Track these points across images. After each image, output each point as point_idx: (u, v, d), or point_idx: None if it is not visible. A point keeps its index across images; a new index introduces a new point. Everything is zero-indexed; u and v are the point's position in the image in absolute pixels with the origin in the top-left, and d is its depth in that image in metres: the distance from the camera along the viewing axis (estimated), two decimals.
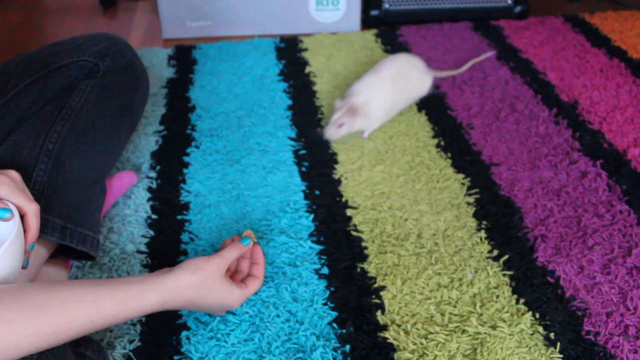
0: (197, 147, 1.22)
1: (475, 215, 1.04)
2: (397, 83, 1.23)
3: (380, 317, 0.86)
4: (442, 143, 1.22)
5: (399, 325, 0.85)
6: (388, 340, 0.83)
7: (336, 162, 1.17)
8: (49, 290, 0.63)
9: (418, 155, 1.19)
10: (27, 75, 0.89)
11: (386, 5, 1.72)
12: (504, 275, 0.93)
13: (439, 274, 0.93)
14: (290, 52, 1.57)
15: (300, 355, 0.81)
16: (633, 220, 1.02)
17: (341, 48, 1.59)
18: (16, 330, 0.58)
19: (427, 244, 0.98)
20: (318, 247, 0.98)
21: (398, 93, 1.24)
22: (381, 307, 0.88)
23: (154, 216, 1.05)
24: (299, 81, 1.44)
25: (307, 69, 1.49)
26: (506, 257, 0.95)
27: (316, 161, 1.17)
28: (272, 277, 0.92)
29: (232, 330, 0.84)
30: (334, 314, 0.87)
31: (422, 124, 1.28)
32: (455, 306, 0.88)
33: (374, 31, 1.68)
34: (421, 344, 0.82)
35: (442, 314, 0.87)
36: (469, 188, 1.10)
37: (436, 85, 1.41)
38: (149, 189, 1.11)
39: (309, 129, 1.22)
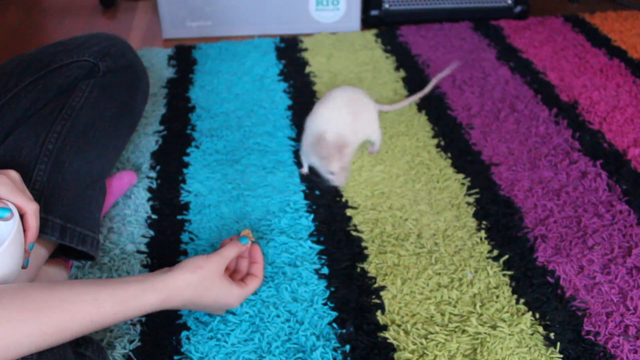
0: (197, 147, 1.22)
1: (475, 215, 1.04)
2: (353, 112, 1.10)
3: (380, 317, 0.86)
4: (442, 143, 1.22)
5: (399, 325, 0.85)
6: (388, 340, 0.83)
7: None
8: (49, 290, 0.63)
9: (418, 155, 1.18)
10: (27, 75, 0.89)
11: (386, 5, 1.72)
12: (504, 275, 0.93)
13: (439, 274, 0.93)
14: (290, 52, 1.57)
15: (300, 355, 0.81)
16: (633, 220, 1.02)
17: (341, 48, 1.59)
18: (16, 330, 0.58)
19: (427, 244, 0.98)
20: (318, 247, 0.98)
21: (357, 124, 1.11)
22: (381, 307, 0.88)
23: (154, 216, 1.05)
24: (299, 81, 1.44)
25: (307, 69, 1.49)
26: (506, 257, 0.95)
27: None
28: (272, 277, 0.92)
29: (232, 330, 0.84)
30: (334, 314, 0.87)
31: (422, 124, 1.28)
32: (455, 306, 0.88)
33: (374, 31, 1.68)
34: (421, 344, 0.82)
35: (442, 314, 0.86)
36: (469, 188, 1.10)
37: (436, 85, 1.42)
38: (149, 189, 1.11)
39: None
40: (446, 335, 0.83)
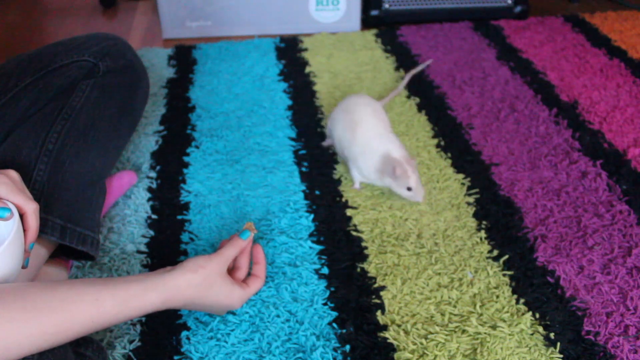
0: (197, 147, 1.22)
1: (475, 215, 1.04)
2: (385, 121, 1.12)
3: (380, 317, 0.86)
4: (442, 143, 1.22)
5: (399, 325, 0.85)
6: (388, 340, 0.83)
7: (336, 162, 1.17)
8: (50, 290, 0.63)
9: (418, 155, 1.18)
10: (27, 75, 0.89)
11: (386, 5, 1.72)
12: (504, 275, 0.93)
13: (439, 274, 0.93)
14: (290, 52, 1.57)
15: (300, 355, 0.81)
16: (633, 220, 1.02)
17: (341, 48, 1.59)
18: (17, 330, 0.58)
19: (427, 244, 0.98)
20: (318, 247, 0.98)
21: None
22: (381, 307, 0.88)
23: (154, 216, 1.05)
24: (299, 81, 1.44)
25: (307, 69, 1.49)
26: (506, 257, 0.95)
27: (316, 161, 1.17)
28: (272, 277, 0.92)
29: (232, 330, 0.84)
30: (334, 314, 0.87)
31: (422, 124, 1.28)
32: (455, 306, 0.88)
33: (374, 31, 1.68)
34: (421, 344, 0.82)
35: (442, 314, 0.86)
36: (469, 188, 1.10)
37: (436, 85, 1.42)
38: (149, 189, 1.11)
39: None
40: (446, 335, 0.83)
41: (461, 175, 1.13)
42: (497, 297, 0.89)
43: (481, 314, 0.86)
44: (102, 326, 0.66)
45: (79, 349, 0.69)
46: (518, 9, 1.73)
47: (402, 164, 1.02)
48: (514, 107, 1.32)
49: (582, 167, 1.14)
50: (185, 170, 1.15)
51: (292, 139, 1.24)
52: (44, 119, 0.85)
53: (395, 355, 0.81)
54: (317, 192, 1.09)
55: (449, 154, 1.19)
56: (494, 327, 0.84)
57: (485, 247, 0.98)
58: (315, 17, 1.70)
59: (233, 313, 0.87)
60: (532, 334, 0.83)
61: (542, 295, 0.89)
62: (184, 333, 0.84)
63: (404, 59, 1.53)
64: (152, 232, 1.02)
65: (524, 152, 1.18)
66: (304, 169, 1.15)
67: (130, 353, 0.82)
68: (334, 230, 1.01)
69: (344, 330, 0.84)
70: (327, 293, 0.90)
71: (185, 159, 1.19)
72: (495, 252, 0.96)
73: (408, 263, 0.95)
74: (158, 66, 1.51)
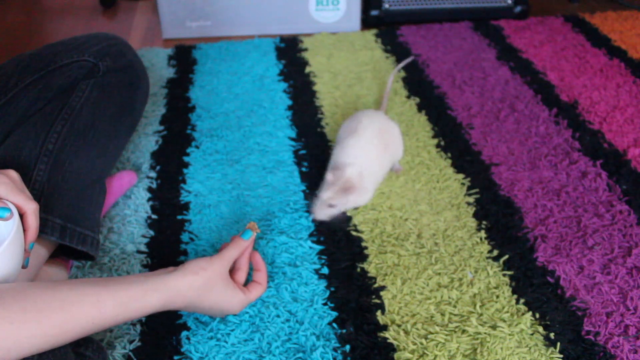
0: (197, 147, 1.22)
1: (475, 215, 1.04)
2: (384, 143, 1.05)
3: (380, 317, 0.86)
4: (442, 143, 1.22)
5: (399, 325, 0.85)
6: (388, 340, 0.83)
7: None
8: (51, 291, 0.63)
9: (418, 155, 1.18)
10: (27, 75, 0.89)
11: (386, 5, 1.72)
12: (504, 275, 0.93)
13: (439, 274, 0.93)
14: (290, 52, 1.57)
15: (300, 355, 0.81)
16: (633, 220, 1.02)
17: (341, 48, 1.59)
18: (18, 331, 0.58)
19: (427, 244, 0.98)
20: (318, 247, 0.98)
21: (386, 157, 1.07)
22: (381, 307, 0.88)
23: (154, 216, 1.05)
24: (299, 81, 1.44)
25: (307, 69, 1.49)
26: (506, 257, 0.95)
27: (316, 161, 1.17)
28: (272, 277, 0.92)
29: (232, 330, 0.84)
30: (334, 314, 0.87)
31: (422, 124, 1.28)
32: (455, 306, 0.88)
33: (374, 31, 1.68)
34: (421, 344, 0.82)
35: (442, 314, 0.86)
36: (469, 188, 1.10)
37: (436, 85, 1.42)
38: (149, 189, 1.11)
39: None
40: (446, 335, 0.83)
41: (461, 175, 1.13)
42: (497, 297, 0.89)
43: (481, 314, 0.86)
44: (102, 327, 0.66)
45: (79, 349, 0.69)
46: (518, 9, 1.73)
47: (341, 178, 0.97)
48: (514, 107, 1.32)
49: (582, 167, 1.14)
50: (185, 170, 1.15)
51: (292, 139, 1.24)
52: (44, 119, 0.85)
53: (395, 355, 0.81)
54: (317, 192, 1.09)
55: (449, 154, 1.19)
56: (494, 327, 0.84)
57: (485, 247, 0.98)
58: (315, 17, 1.70)
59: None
60: (532, 334, 0.83)
61: (542, 295, 0.89)
62: (184, 333, 0.84)
63: (403, 59, 1.53)
64: (152, 232, 1.02)
65: (524, 152, 1.18)
66: (304, 169, 1.15)
67: (130, 353, 0.82)
68: (334, 230, 1.01)
69: (344, 330, 0.84)
70: (327, 293, 0.90)
71: (185, 159, 1.19)
72: (495, 252, 0.96)
73: (408, 263, 0.95)
74: (158, 66, 1.51)
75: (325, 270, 0.94)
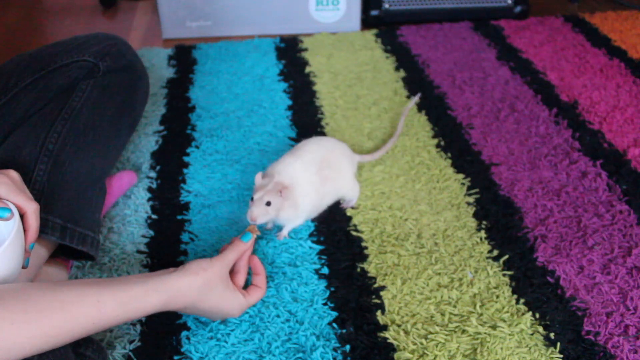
0: (197, 147, 1.22)
1: (475, 215, 1.04)
2: (324, 175, 0.98)
3: (380, 317, 0.86)
4: (442, 143, 1.22)
5: (399, 325, 0.85)
6: (388, 340, 0.83)
7: None
8: (51, 292, 0.63)
9: (418, 155, 1.18)
10: (27, 75, 0.89)
11: (386, 5, 1.72)
12: (504, 275, 0.93)
13: (439, 274, 0.93)
14: (290, 52, 1.57)
15: (300, 355, 0.81)
16: (633, 220, 1.02)
17: (341, 48, 1.59)
18: (18, 332, 0.58)
19: (427, 244, 0.98)
20: (318, 247, 0.98)
21: (326, 189, 0.99)
22: (381, 307, 0.88)
23: (154, 216, 1.05)
24: (299, 81, 1.44)
25: (307, 69, 1.49)
26: (506, 257, 0.95)
27: None
28: (272, 277, 0.92)
29: (232, 330, 0.84)
30: (334, 314, 0.87)
31: (422, 124, 1.28)
32: (455, 306, 0.88)
33: (374, 31, 1.68)
34: (421, 344, 0.82)
35: (442, 314, 0.86)
36: (469, 188, 1.10)
37: (436, 85, 1.42)
38: (149, 189, 1.11)
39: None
40: (446, 335, 0.83)
41: (461, 175, 1.13)
42: (497, 297, 0.89)
43: (481, 314, 0.86)
44: (102, 327, 0.66)
45: (79, 349, 0.69)
46: (518, 9, 1.73)
47: (272, 180, 0.92)
48: (514, 107, 1.32)
49: (582, 167, 1.14)
50: (185, 170, 1.15)
51: (292, 139, 1.24)
52: (44, 119, 0.85)
53: (395, 355, 0.81)
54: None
55: (449, 154, 1.19)
56: (494, 327, 0.84)
57: (485, 247, 0.98)
58: (315, 17, 1.70)
59: None
60: (532, 334, 0.83)
61: (542, 295, 0.89)
62: (184, 333, 0.84)
63: (404, 59, 1.53)
64: (152, 232, 1.02)
65: (524, 152, 1.18)
66: None
67: (130, 353, 0.82)
68: (334, 230, 1.01)
69: (344, 330, 0.84)
70: (327, 293, 0.90)
71: (185, 159, 1.19)
72: (495, 252, 0.96)
73: (408, 263, 0.95)
74: (158, 66, 1.51)
75: (325, 270, 0.94)
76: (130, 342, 0.83)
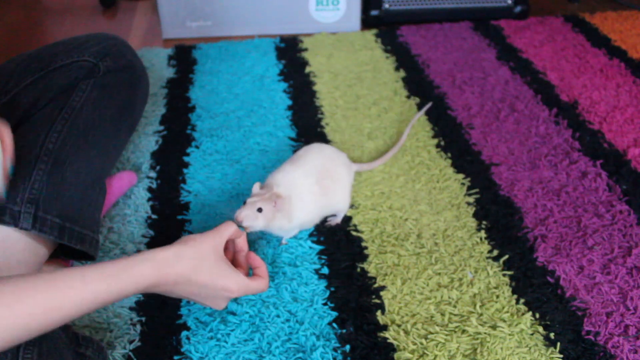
0: (197, 147, 1.22)
1: (475, 215, 1.04)
2: (324, 182, 0.97)
3: (380, 317, 0.86)
4: (442, 143, 1.22)
5: (399, 325, 0.85)
6: (388, 340, 0.83)
7: None
8: (34, 275, 0.61)
9: (418, 155, 1.18)
10: (27, 75, 0.89)
11: (386, 5, 1.72)
12: (504, 275, 0.93)
13: (439, 274, 0.93)
14: (290, 52, 1.57)
15: (300, 355, 0.81)
16: (633, 220, 1.02)
17: (341, 48, 1.59)
18: (2, 313, 0.56)
19: (427, 244, 0.98)
20: (318, 247, 0.98)
21: (323, 200, 0.98)
22: (381, 307, 0.88)
23: (154, 216, 1.05)
24: (299, 81, 1.44)
25: (307, 69, 1.49)
26: (506, 257, 0.95)
27: None
28: (272, 277, 0.92)
29: (232, 330, 0.84)
30: (334, 314, 0.87)
31: (422, 124, 1.28)
32: (455, 306, 0.88)
33: (374, 31, 1.68)
34: (421, 344, 0.82)
35: (442, 314, 0.86)
36: (469, 188, 1.10)
37: (436, 85, 1.42)
38: (149, 189, 1.11)
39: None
40: (446, 335, 0.83)
41: (461, 175, 1.13)
42: (497, 297, 0.89)
43: (481, 314, 0.86)
44: (93, 304, 0.63)
45: (79, 349, 0.69)
46: (518, 9, 1.73)
47: (270, 191, 0.92)
48: (514, 107, 1.32)
49: (582, 167, 1.14)
50: (185, 170, 1.15)
51: (292, 139, 1.24)
52: (44, 118, 0.85)
53: (395, 355, 0.81)
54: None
55: (449, 154, 1.19)
56: (494, 327, 0.84)
57: (485, 247, 0.98)
58: (315, 17, 1.70)
59: (233, 313, 0.87)
60: (532, 334, 0.83)
61: (542, 295, 0.89)
62: (184, 333, 0.84)
63: (404, 59, 1.53)
64: (152, 232, 1.02)
65: (524, 152, 1.18)
66: None
67: (130, 353, 0.82)
68: (334, 230, 1.01)
69: (344, 330, 0.84)
70: (327, 293, 0.90)
71: (185, 159, 1.19)
72: (495, 252, 0.96)
73: (408, 263, 0.95)
74: (158, 66, 1.51)
75: (325, 270, 0.94)
76: (130, 342, 0.83)
